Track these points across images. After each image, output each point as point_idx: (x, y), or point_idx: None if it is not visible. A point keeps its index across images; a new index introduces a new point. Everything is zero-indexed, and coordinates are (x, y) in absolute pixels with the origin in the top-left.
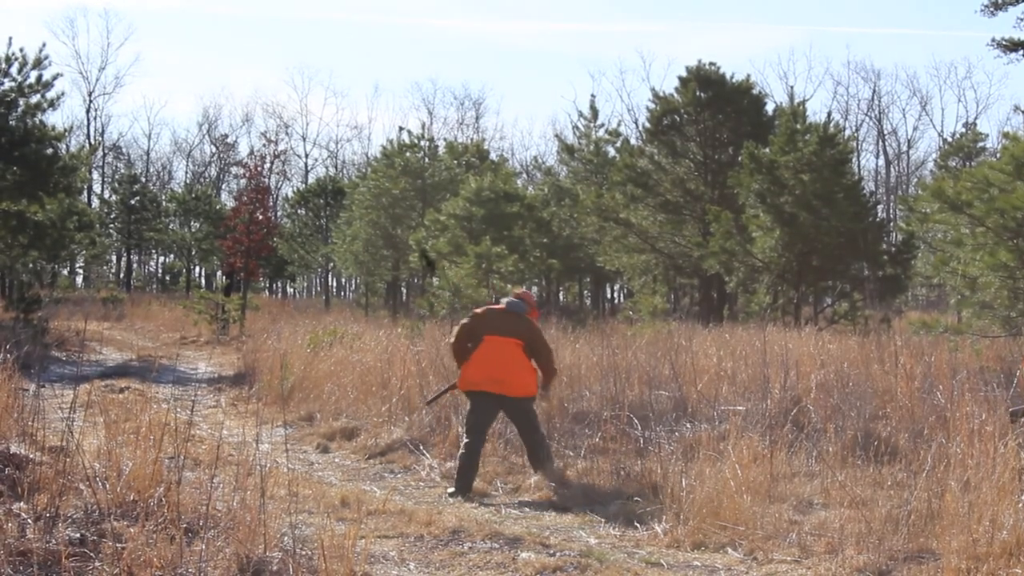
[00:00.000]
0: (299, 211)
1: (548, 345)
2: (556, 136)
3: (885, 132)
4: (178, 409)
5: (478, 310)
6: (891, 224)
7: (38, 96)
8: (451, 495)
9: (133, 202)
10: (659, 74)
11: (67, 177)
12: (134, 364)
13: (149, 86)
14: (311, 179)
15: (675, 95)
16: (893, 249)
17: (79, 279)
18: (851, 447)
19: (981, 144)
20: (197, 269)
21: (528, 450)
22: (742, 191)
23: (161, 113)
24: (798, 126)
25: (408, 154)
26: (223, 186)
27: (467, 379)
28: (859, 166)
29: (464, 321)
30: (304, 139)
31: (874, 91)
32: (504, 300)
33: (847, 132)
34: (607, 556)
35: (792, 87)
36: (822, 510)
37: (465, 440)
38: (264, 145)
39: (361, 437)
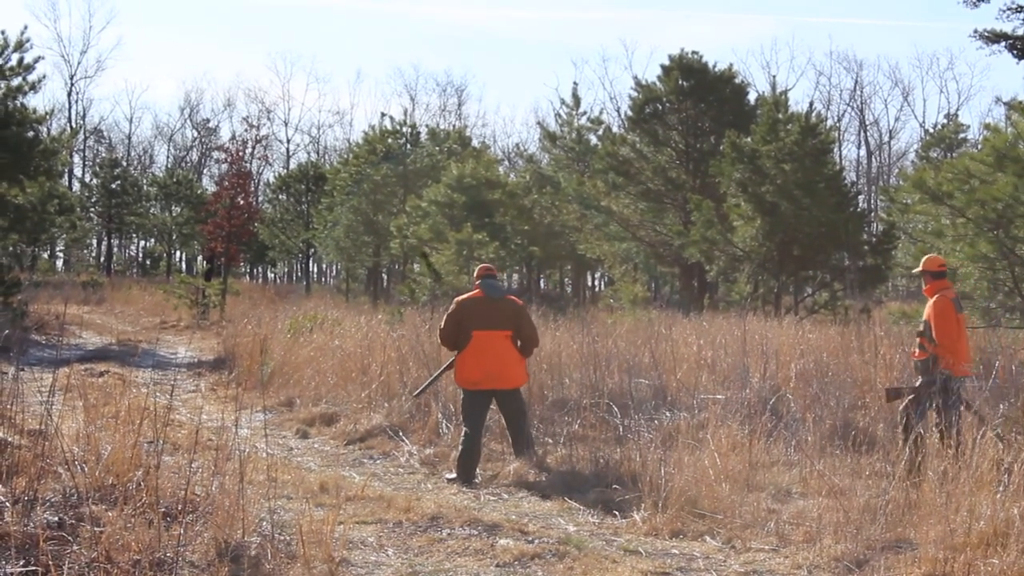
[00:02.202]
0: (280, 196)
1: (532, 323)
2: (538, 123)
3: (867, 122)
4: (158, 394)
5: (460, 298)
6: (872, 214)
7: (19, 79)
8: (450, 480)
9: (114, 186)
10: (642, 62)
11: (48, 160)
12: (114, 348)
13: (131, 70)
14: (293, 164)
15: (657, 84)
16: (874, 239)
17: (59, 263)
18: (830, 436)
19: (962, 135)
20: (178, 253)
21: (512, 437)
22: (723, 180)
23: (143, 97)
24: (780, 116)
25: (390, 140)
26: (204, 171)
27: (466, 378)
28: (841, 156)
29: (448, 312)
30: (286, 124)
31: (856, 81)
32: (479, 284)
33: (829, 122)
34: (585, 543)
35: (774, 77)
36: (800, 499)
37: (465, 431)
38: (246, 130)
39: (341, 423)
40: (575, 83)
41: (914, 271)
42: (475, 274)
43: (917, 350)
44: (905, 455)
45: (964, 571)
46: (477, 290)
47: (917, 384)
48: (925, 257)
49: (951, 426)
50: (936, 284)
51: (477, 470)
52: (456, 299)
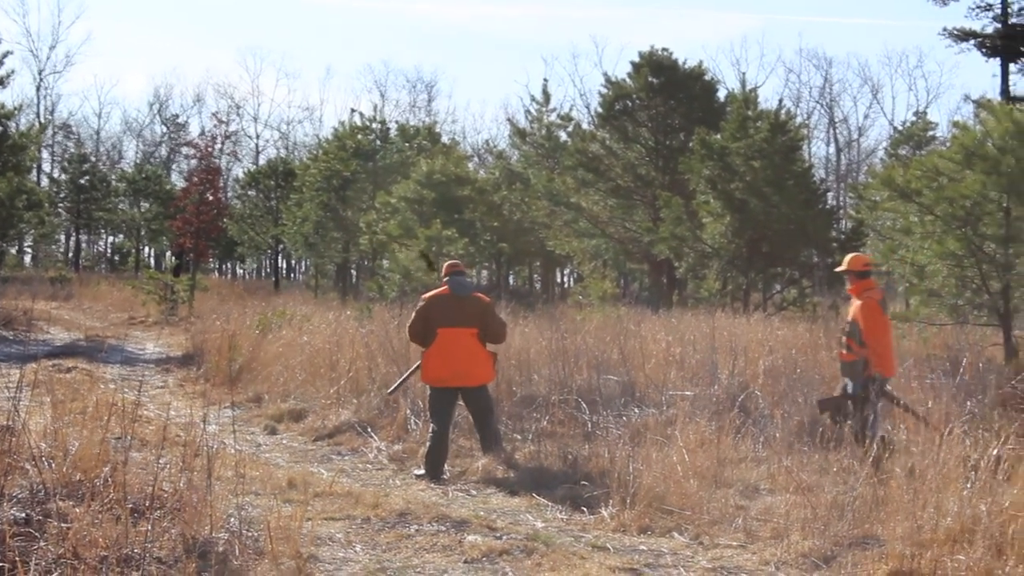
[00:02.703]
0: (249, 192)
1: (501, 321)
2: (508, 120)
3: (836, 120)
4: (125, 389)
5: (427, 295)
6: (841, 211)
7: None
8: (418, 477)
9: (82, 181)
10: (612, 59)
11: (16, 156)
12: (82, 344)
13: (100, 65)
14: (262, 160)
15: (627, 80)
16: (842, 236)
17: (27, 258)
18: (798, 433)
19: (931, 133)
20: (146, 249)
21: (480, 434)
22: (693, 177)
23: (112, 92)
24: (749, 113)
25: (359, 136)
26: (173, 166)
27: (431, 375)
28: (810, 153)
29: (417, 308)
30: (255, 120)
31: (826, 79)
32: (447, 280)
33: (798, 119)
34: (553, 540)
35: (744, 74)
36: (768, 495)
37: (433, 427)
38: (215, 126)
39: (309, 419)
40: (545, 80)
41: (837, 270)
42: (443, 271)
43: (844, 351)
44: (872, 452)
45: (931, 567)
46: (445, 287)
47: (846, 388)
48: (849, 256)
49: (868, 425)
50: (861, 284)
51: (445, 466)
52: (424, 295)
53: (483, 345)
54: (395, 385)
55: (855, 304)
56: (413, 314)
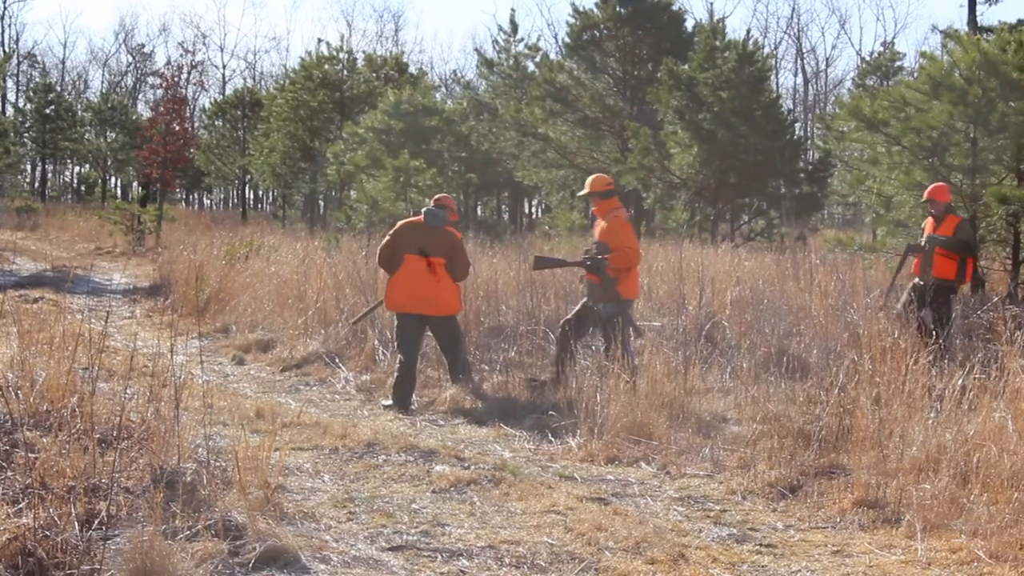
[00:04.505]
0: (216, 122)
1: (467, 259)
2: (476, 50)
3: (804, 50)
4: (92, 320)
5: (401, 222)
6: (808, 142)
7: None
8: (386, 407)
9: (48, 111)
10: None
11: None
12: (48, 274)
13: None
14: (229, 90)
15: (595, 10)
16: (810, 167)
17: None
18: (764, 363)
19: (899, 63)
20: (113, 179)
21: (448, 364)
22: (661, 107)
23: (77, 22)
24: (717, 43)
25: (327, 66)
26: (140, 96)
27: (394, 301)
28: (777, 84)
29: (386, 239)
30: (222, 50)
31: (793, 9)
32: (423, 210)
33: (766, 50)
34: (521, 469)
35: (712, 4)
36: (735, 425)
37: (400, 357)
38: (181, 55)
39: (277, 349)
40: (513, 9)
41: (580, 193)
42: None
43: (591, 273)
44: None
45: (896, 496)
46: (419, 216)
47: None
48: (591, 178)
49: (622, 347)
50: (606, 204)
51: (413, 396)
52: (397, 224)
53: (449, 277)
54: (360, 315)
55: (600, 225)
56: (383, 240)
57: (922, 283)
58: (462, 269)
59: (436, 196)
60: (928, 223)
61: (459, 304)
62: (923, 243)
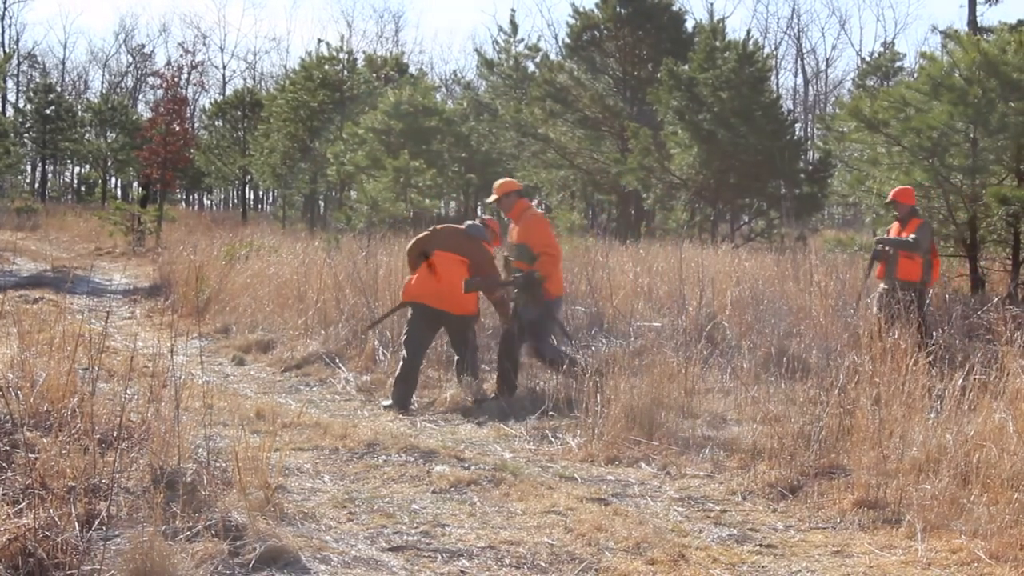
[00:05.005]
0: (216, 123)
1: (497, 273)
2: (476, 50)
3: (804, 51)
4: (93, 320)
5: (438, 225)
6: (808, 143)
7: None
8: (386, 407)
9: (48, 111)
10: None
11: None
12: (48, 275)
13: None
14: (229, 91)
15: (595, 10)
16: (810, 167)
17: None
18: (764, 364)
19: (899, 64)
20: (113, 180)
21: (456, 362)
22: (661, 108)
23: (77, 22)
24: (717, 43)
25: (327, 67)
26: (140, 96)
27: (412, 291)
28: (777, 84)
29: (423, 233)
30: (222, 50)
31: (793, 9)
32: (467, 223)
33: (766, 50)
34: (521, 469)
35: (712, 4)
36: (735, 426)
37: (404, 356)
38: (181, 56)
39: (277, 350)
40: (513, 10)
41: (489, 200)
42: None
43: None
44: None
45: (896, 497)
46: (461, 226)
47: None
48: (498, 182)
49: (556, 352)
50: (518, 206)
51: (414, 397)
52: (435, 226)
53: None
54: (378, 319)
55: (516, 228)
56: (415, 238)
57: (887, 287)
58: (493, 280)
59: (485, 218)
60: (894, 226)
61: (475, 306)
62: (877, 246)
